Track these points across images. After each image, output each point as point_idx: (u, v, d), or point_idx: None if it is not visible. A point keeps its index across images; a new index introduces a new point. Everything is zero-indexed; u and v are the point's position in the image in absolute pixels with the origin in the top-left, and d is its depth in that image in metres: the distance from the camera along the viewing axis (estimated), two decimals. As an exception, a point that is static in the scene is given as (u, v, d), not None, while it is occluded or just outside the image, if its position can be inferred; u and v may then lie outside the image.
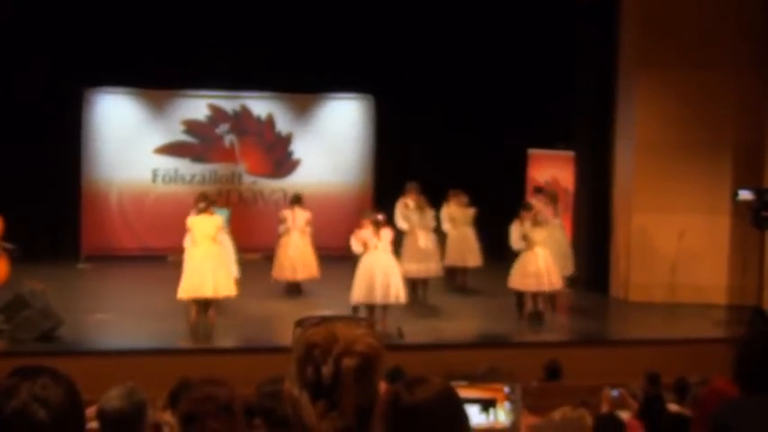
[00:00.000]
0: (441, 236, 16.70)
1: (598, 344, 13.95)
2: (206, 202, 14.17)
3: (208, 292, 13.48)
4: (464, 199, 16.92)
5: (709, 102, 16.22)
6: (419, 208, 16.00)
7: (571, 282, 16.35)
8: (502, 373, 7.74)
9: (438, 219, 16.50)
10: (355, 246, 14.16)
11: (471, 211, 16.91)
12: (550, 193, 16.94)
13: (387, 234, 14.06)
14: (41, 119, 18.57)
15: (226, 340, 13.66)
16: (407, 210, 16.02)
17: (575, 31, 17.86)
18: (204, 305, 13.68)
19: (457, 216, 16.86)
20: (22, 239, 14.59)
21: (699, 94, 16.24)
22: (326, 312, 13.89)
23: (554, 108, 18.47)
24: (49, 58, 18.36)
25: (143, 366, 11.48)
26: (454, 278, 17.31)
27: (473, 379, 7.84)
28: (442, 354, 12.56)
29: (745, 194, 15.02)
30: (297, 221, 16.24)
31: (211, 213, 13.89)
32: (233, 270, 15.30)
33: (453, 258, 16.96)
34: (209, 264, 13.51)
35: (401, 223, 15.84)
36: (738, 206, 15.53)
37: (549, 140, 19.19)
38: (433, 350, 12.97)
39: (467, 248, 16.93)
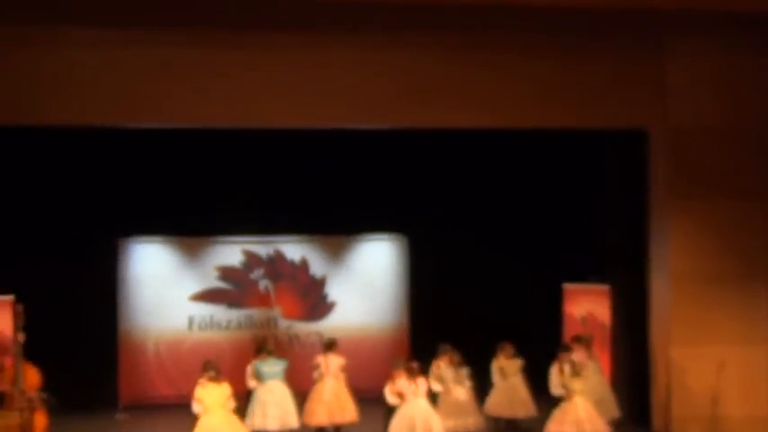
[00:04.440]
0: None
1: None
2: (265, 351, 15.54)
3: None
4: (511, 350, 16.76)
5: (742, 232, 16.19)
6: (453, 365, 15.80)
7: (613, 420, 16.09)
8: None
9: (479, 374, 16.27)
10: (390, 398, 13.99)
11: (519, 362, 16.73)
12: (585, 338, 16.74)
13: (422, 383, 13.93)
14: (77, 269, 18.78)
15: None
16: (439, 369, 15.81)
17: (604, 163, 17.95)
18: None
19: (505, 367, 16.71)
20: (60, 391, 14.56)
21: (731, 225, 16.20)
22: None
23: (587, 241, 18.45)
24: (83, 209, 18.66)
25: None
26: (503, 428, 16.95)
27: None
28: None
29: (781, 324, 14.96)
30: (330, 367, 16.11)
31: (219, 383, 13.94)
32: (292, 421, 15.10)
33: (501, 409, 16.63)
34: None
35: (435, 386, 15.48)
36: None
37: (583, 274, 19.10)
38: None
39: (516, 399, 16.60)
